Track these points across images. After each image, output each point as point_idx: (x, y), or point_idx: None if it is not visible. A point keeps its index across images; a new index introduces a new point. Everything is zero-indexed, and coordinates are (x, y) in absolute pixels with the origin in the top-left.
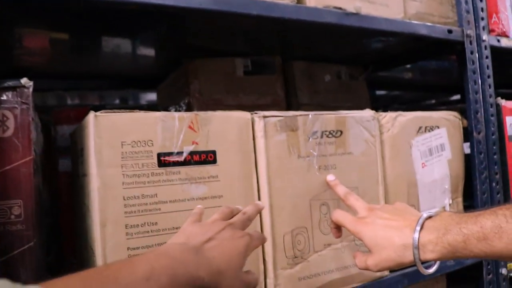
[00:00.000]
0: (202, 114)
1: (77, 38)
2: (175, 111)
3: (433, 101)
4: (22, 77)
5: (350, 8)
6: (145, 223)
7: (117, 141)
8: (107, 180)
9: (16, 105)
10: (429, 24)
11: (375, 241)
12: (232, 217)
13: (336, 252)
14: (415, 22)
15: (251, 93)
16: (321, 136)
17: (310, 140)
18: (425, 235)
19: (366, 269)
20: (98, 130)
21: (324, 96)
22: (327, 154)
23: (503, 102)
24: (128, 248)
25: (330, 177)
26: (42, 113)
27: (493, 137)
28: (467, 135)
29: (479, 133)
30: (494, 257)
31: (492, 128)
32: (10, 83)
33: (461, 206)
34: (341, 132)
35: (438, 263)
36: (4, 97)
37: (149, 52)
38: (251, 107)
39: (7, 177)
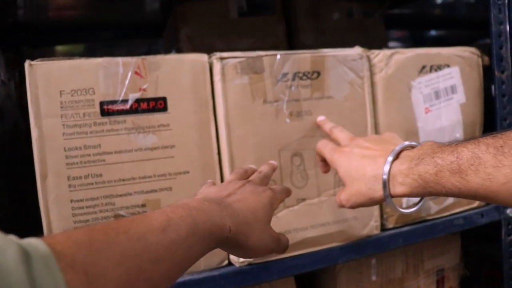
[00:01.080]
0: (150, 58)
1: None
2: None
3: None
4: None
5: None
6: (88, 175)
7: (55, 90)
8: (45, 131)
9: None
10: None
11: (349, 172)
12: (248, 177)
13: (311, 207)
14: None
15: (247, 36)
16: (293, 79)
17: (278, 83)
18: (397, 165)
19: (341, 205)
20: (34, 79)
21: (331, 37)
22: (301, 98)
23: None
24: (71, 201)
25: (320, 117)
26: None
27: None
28: (490, 75)
29: (502, 72)
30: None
31: None
32: None
33: None
34: (319, 73)
35: (422, 202)
36: None
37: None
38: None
39: None
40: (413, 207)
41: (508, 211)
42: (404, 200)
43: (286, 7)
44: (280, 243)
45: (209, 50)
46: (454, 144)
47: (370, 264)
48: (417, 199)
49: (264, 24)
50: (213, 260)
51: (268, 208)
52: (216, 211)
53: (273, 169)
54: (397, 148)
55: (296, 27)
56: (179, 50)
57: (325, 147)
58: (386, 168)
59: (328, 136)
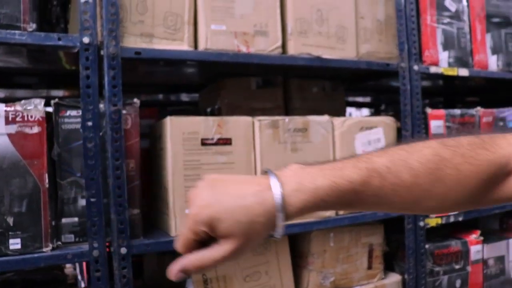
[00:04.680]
0: (225, 118)
1: None
2: (211, 111)
3: None
4: None
5: (315, 53)
6: (193, 174)
7: (180, 132)
8: (175, 151)
9: (131, 113)
10: (371, 60)
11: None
12: None
13: None
14: (363, 60)
15: (261, 101)
16: (293, 131)
17: (286, 134)
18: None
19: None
20: (172, 126)
21: (312, 103)
22: (297, 141)
23: (429, 111)
24: (185, 186)
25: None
26: None
27: (419, 134)
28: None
29: (406, 131)
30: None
31: (418, 128)
32: (129, 101)
33: None
34: (306, 129)
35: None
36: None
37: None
38: (260, 110)
39: (128, 148)
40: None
41: None
42: None
43: (285, 83)
44: None
45: (237, 108)
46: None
47: (329, 235)
48: None
49: (271, 94)
50: None
51: None
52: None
53: None
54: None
55: (290, 95)
56: (219, 108)
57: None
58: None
59: None
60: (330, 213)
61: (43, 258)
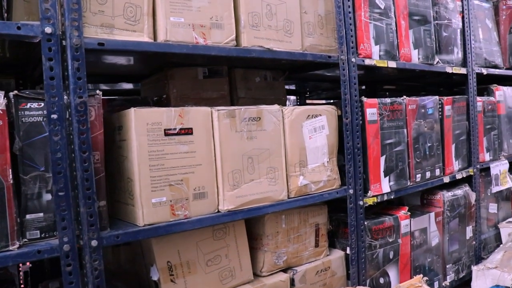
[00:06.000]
0: (185, 108)
1: None
2: (158, 100)
3: None
4: None
5: (266, 46)
6: (158, 164)
7: (144, 122)
8: (140, 142)
9: (95, 104)
10: (315, 53)
11: None
12: None
13: (256, 184)
14: (308, 52)
15: (208, 90)
16: (248, 120)
17: (242, 123)
18: None
19: None
20: (136, 117)
21: (255, 92)
22: (252, 130)
23: (365, 99)
24: (150, 177)
25: None
26: None
27: (357, 121)
28: (341, 120)
29: (347, 118)
30: None
31: (356, 116)
32: (92, 93)
33: (335, 162)
34: (260, 118)
35: None
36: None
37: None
38: (207, 99)
39: (93, 139)
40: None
41: (350, 191)
42: (300, 179)
43: (230, 73)
44: None
45: (185, 98)
46: None
47: (281, 217)
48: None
49: (217, 84)
50: (210, 210)
51: None
52: None
53: None
54: None
55: (235, 86)
56: (167, 97)
57: None
58: None
59: None
60: (282, 197)
61: (11, 256)
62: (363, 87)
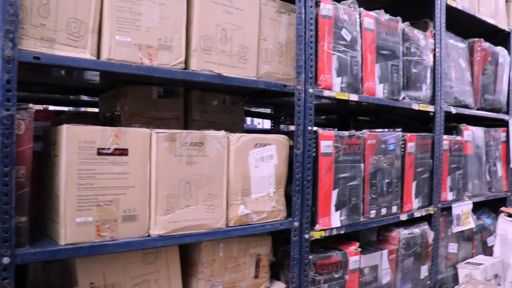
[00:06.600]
0: (123, 129)
1: None
2: (110, 117)
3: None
4: None
5: (217, 71)
6: (87, 183)
7: (76, 140)
8: (70, 160)
9: (26, 118)
10: (269, 81)
11: None
12: None
13: (193, 210)
14: (262, 80)
15: (161, 110)
16: (190, 145)
17: (182, 147)
18: None
19: None
20: (68, 134)
21: (211, 115)
22: (192, 155)
23: (320, 131)
24: (77, 195)
25: None
26: None
27: (309, 153)
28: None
29: (298, 149)
30: None
31: (309, 147)
32: (24, 106)
33: (282, 193)
34: (202, 143)
35: None
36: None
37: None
38: (160, 119)
39: (19, 153)
40: None
41: (295, 223)
42: (241, 208)
43: (186, 94)
44: None
45: (137, 116)
46: None
47: (219, 246)
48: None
49: (172, 104)
50: (139, 233)
51: None
52: None
53: None
54: None
55: (190, 107)
56: (118, 115)
57: None
58: None
59: None
60: (220, 225)
61: None
62: (335, 116)
